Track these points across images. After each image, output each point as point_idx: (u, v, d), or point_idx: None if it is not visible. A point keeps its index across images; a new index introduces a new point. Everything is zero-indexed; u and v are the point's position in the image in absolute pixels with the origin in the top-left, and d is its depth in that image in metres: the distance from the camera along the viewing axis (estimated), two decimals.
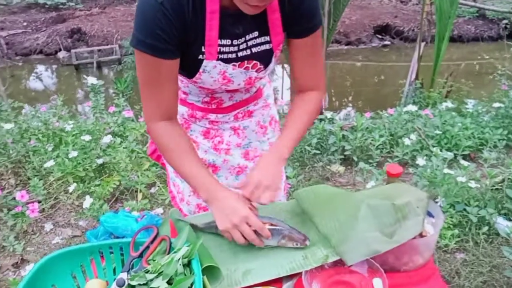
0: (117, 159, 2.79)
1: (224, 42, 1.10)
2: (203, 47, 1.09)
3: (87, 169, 2.79)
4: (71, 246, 1.07)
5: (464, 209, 2.31)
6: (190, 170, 1.13)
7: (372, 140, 3.02)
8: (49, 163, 2.72)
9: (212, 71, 1.14)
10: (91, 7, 9.62)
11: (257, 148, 1.46)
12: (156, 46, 1.02)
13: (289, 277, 1.03)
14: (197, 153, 1.19)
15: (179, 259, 0.96)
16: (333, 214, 1.12)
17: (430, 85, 4.15)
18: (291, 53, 1.20)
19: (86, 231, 1.26)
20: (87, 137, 2.85)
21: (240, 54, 1.14)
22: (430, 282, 1.05)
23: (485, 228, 2.25)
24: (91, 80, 3.33)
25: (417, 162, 2.59)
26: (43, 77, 7.58)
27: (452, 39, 6.47)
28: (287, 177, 2.54)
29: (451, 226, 2.26)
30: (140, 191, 2.72)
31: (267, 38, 1.14)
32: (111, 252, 1.07)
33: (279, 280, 1.02)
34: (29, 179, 2.80)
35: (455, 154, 2.85)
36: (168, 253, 1.01)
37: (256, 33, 1.13)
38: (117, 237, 1.21)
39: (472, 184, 2.32)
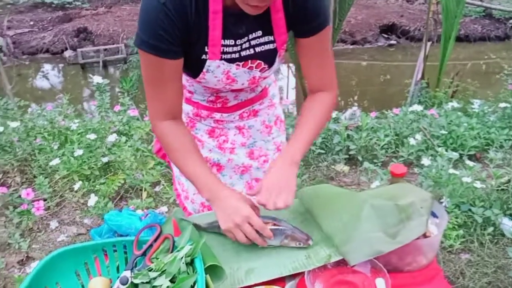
0: (122, 158, 2.80)
1: (227, 42, 1.10)
2: (206, 47, 1.09)
3: (92, 167, 2.80)
4: (75, 244, 1.08)
5: (469, 210, 2.30)
6: (193, 170, 1.13)
7: (377, 140, 3.01)
8: (55, 162, 2.74)
9: (215, 70, 1.14)
10: (97, 6, 9.66)
11: (262, 147, 1.46)
12: (159, 47, 1.03)
13: (292, 276, 1.03)
14: (200, 153, 1.19)
15: (182, 258, 0.96)
16: (336, 214, 1.11)
17: (436, 84, 4.12)
18: (299, 53, 1.19)
19: (91, 229, 1.27)
20: (93, 136, 2.87)
21: (243, 53, 1.14)
22: (434, 282, 1.05)
23: (490, 229, 2.24)
24: (97, 79, 3.35)
25: (422, 162, 2.58)
26: (49, 76, 7.62)
27: (459, 39, 6.43)
28: None
29: (456, 227, 2.24)
30: (145, 189, 2.73)
31: (271, 38, 1.14)
32: (115, 250, 1.08)
33: (282, 280, 1.02)
34: (34, 177, 2.82)
35: (460, 154, 2.83)
36: (171, 252, 1.01)
37: (259, 33, 1.12)
38: (121, 235, 1.22)
39: (478, 184, 2.31)
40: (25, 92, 6.58)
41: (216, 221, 1.09)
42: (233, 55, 1.13)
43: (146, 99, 1.14)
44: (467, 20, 8.30)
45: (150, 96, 1.13)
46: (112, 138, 2.91)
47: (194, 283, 0.91)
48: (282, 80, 6.39)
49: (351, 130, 3.12)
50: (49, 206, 2.68)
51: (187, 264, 0.96)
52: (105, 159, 2.83)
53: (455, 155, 2.60)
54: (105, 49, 7.70)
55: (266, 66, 1.19)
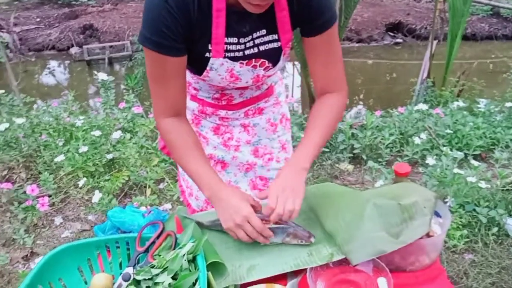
0: (127, 155, 2.81)
1: (230, 40, 1.10)
2: (209, 45, 1.09)
3: (97, 164, 2.81)
4: (78, 240, 1.09)
5: (474, 210, 2.29)
6: (195, 168, 1.13)
7: (382, 139, 3.00)
8: (60, 158, 2.75)
9: (219, 68, 1.14)
10: (103, 3, 9.67)
11: (266, 145, 1.46)
12: (162, 44, 1.03)
13: (294, 274, 1.03)
14: (203, 151, 1.19)
15: (184, 255, 0.96)
16: (339, 213, 1.11)
17: (442, 83, 4.10)
18: (306, 53, 1.18)
19: (95, 226, 1.28)
20: (97, 133, 2.88)
21: (247, 52, 1.14)
22: (436, 282, 1.05)
23: (495, 229, 2.23)
24: (102, 76, 3.36)
25: (427, 162, 2.57)
26: (55, 72, 7.65)
27: (465, 37, 6.38)
28: None
29: (460, 227, 2.23)
30: (149, 186, 2.74)
31: (275, 36, 1.13)
32: (118, 247, 1.08)
33: (284, 278, 1.02)
34: (39, 173, 2.83)
35: (465, 153, 2.82)
36: (174, 249, 1.01)
37: (263, 31, 1.12)
38: (124, 232, 1.23)
39: (483, 184, 2.30)
40: (31, 89, 6.61)
41: (218, 219, 1.09)
42: (237, 54, 1.13)
43: (151, 96, 1.15)
44: (474, 18, 8.24)
45: (154, 93, 1.14)
46: (117, 135, 2.92)
47: (196, 280, 0.91)
48: (287, 78, 6.38)
49: (355, 128, 3.11)
50: (53, 202, 2.69)
51: (189, 261, 0.96)
52: (109, 156, 2.84)
53: (460, 154, 2.59)
54: (111, 46, 7.72)
55: (270, 64, 1.19)
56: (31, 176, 2.94)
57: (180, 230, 1.13)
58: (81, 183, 2.68)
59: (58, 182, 2.81)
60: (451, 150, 2.69)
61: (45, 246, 2.41)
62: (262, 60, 1.16)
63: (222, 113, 1.37)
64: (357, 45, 8.18)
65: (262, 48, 1.14)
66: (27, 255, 2.35)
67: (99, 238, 1.11)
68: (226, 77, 1.17)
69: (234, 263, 1.04)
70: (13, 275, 2.20)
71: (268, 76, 1.25)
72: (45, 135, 3.03)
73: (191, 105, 1.39)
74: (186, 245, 0.99)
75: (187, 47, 1.08)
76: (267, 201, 1.07)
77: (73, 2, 9.56)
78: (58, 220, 2.57)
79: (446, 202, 2.30)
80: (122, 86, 5.28)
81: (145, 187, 2.78)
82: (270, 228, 1.05)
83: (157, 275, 0.95)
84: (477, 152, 2.93)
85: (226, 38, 1.09)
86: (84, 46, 7.71)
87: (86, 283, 1.05)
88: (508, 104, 3.29)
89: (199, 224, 1.14)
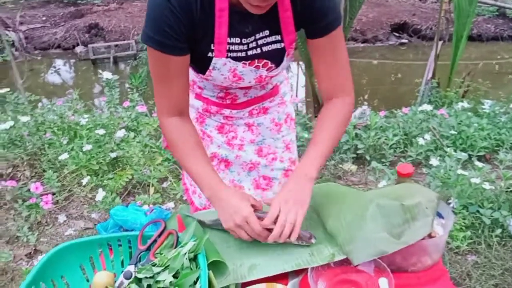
0: (130, 153, 2.82)
1: (233, 40, 1.10)
2: (212, 45, 1.09)
3: (101, 162, 2.82)
4: (80, 238, 1.09)
5: (477, 211, 2.28)
6: (196, 168, 1.13)
7: (385, 139, 2.99)
8: (64, 156, 2.76)
9: (222, 68, 1.14)
10: (108, 2, 9.71)
11: (270, 145, 1.46)
12: (164, 43, 1.03)
13: (295, 274, 1.03)
14: (204, 151, 1.19)
15: (185, 253, 0.97)
16: (340, 213, 1.11)
17: (447, 84, 4.08)
18: (311, 56, 1.17)
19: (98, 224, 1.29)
20: (101, 131, 2.89)
21: (250, 52, 1.13)
22: (438, 283, 1.04)
23: (498, 231, 2.22)
24: (106, 75, 3.37)
25: (430, 162, 2.56)
26: (60, 71, 7.68)
27: (471, 38, 6.34)
28: None
29: (464, 228, 2.22)
30: (152, 185, 2.75)
31: (278, 37, 1.13)
32: (120, 245, 1.09)
33: (285, 277, 1.02)
34: (44, 171, 2.84)
35: (470, 155, 2.81)
36: (175, 247, 1.02)
37: (266, 32, 1.12)
38: (126, 230, 1.23)
39: (487, 185, 2.28)
40: (36, 87, 6.64)
41: (219, 218, 1.09)
42: (239, 54, 1.13)
43: (154, 95, 1.15)
44: (480, 19, 8.20)
45: (157, 92, 1.14)
46: (121, 133, 2.93)
47: (197, 279, 0.92)
48: (291, 78, 6.37)
49: (359, 129, 3.11)
50: (57, 200, 2.70)
51: (190, 259, 0.96)
52: (113, 155, 2.85)
53: (464, 155, 2.57)
54: (116, 45, 7.75)
55: (273, 65, 1.19)
56: (35, 174, 2.96)
57: (182, 228, 1.13)
58: (84, 181, 2.69)
59: (62, 180, 2.82)
60: (455, 151, 2.68)
61: (49, 243, 2.42)
62: (265, 60, 1.16)
63: (227, 112, 1.37)
64: (362, 45, 8.16)
65: (265, 49, 1.14)
66: (30, 252, 2.36)
67: (101, 236, 1.12)
68: (229, 76, 1.17)
69: (235, 262, 1.04)
70: (16, 272, 2.21)
71: (271, 77, 1.25)
72: (50, 133, 3.04)
73: (196, 103, 1.39)
74: (188, 244, 0.99)
75: (190, 46, 1.08)
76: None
77: (79, 1, 9.61)
78: (61, 218, 2.58)
79: (449, 203, 2.29)
80: (127, 85, 5.29)
81: (148, 185, 2.78)
82: (271, 229, 1.04)
83: (158, 273, 0.95)
84: (481, 153, 2.92)
85: (228, 38, 1.09)
86: (90, 45, 7.74)
87: (88, 280, 1.05)
88: None
89: (201, 223, 1.14)
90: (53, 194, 2.68)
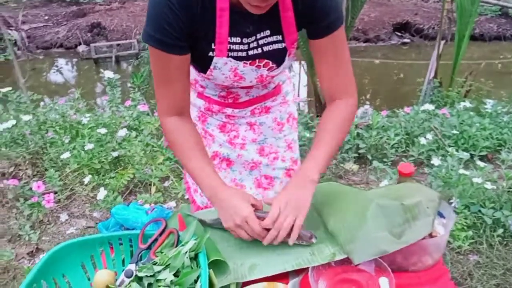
0: (132, 153, 2.82)
1: (234, 39, 1.10)
2: (213, 44, 1.09)
3: (103, 161, 2.83)
4: (81, 237, 1.09)
5: (479, 211, 2.28)
6: (196, 168, 1.13)
7: (387, 139, 2.99)
8: (66, 155, 2.77)
9: (223, 68, 1.14)
10: (111, 1, 9.72)
11: (272, 144, 1.46)
12: (165, 41, 1.03)
13: (296, 273, 1.03)
14: (205, 151, 1.19)
15: (186, 252, 0.97)
16: (341, 212, 1.11)
17: (449, 84, 4.08)
18: (314, 57, 1.17)
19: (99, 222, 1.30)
20: (103, 130, 2.89)
21: (250, 52, 1.13)
22: (439, 283, 1.04)
23: (500, 231, 2.21)
24: (108, 74, 3.37)
25: (432, 162, 2.56)
26: (63, 70, 7.70)
27: (473, 38, 6.34)
28: None
29: (465, 228, 2.22)
30: (154, 184, 2.75)
31: (279, 37, 1.13)
32: (121, 244, 1.09)
33: (285, 276, 1.02)
34: (45, 170, 2.85)
35: (472, 154, 2.80)
36: (176, 246, 1.02)
37: (267, 32, 1.12)
38: (128, 229, 1.23)
39: (488, 185, 2.28)
40: (38, 86, 6.65)
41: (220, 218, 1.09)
42: (240, 53, 1.13)
43: (155, 94, 1.15)
44: (482, 18, 8.18)
45: (158, 91, 1.14)
46: (122, 132, 2.93)
47: (198, 278, 0.92)
48: (293, 77, 6.36)
49: (361, 128, 3.10)
50: (59, 199, 2.71)
51: (191, 258, 0.96)
52: (115, 154, 2.85)
53: (465, 155, 2.57)
54: (118, 45, 7.76)
55: (274, 65, 1.18)
56: (37, 173, 2.97)
57: (183, 227, 1.13)
58: (86, 180, 2.69)
59: (64, 179, 2.83)
60: (457, 150, 2.68)
61: (50, 242, 2.43)
62: (266, 60, 1.16)
63: (229, 111, 1.37)
64: (364, 44, 8.15)
65: (266, 48, 1.14)
66: (32, 251, 2.37)
67: (102, 234, 1.12)
68: (230, 76, 1.17)
69: (235, 261, 1.05)
70: (18, 271, 2.22)
71: (272, 76, 1.25)
72: (52, 132, 3.05)
73: (198, 102, 1.40)
74: (188, 243, 0.99)
75: (191, 45, 1.08)
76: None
77: (81, 1, 9.62)
78: (63, 216, 2.59)
79: (451, 203, 2.28)
80: (129, 84, 5.29)
81: (150, 184, 2.79)
82: (270, 229, 1.04)
83: (159, 272, 0.95)
84: (483, 153, 2.91)
85: (229, 38, 1.09)
86: (92, 44, 7.76)
87: (89, 279, 1.05)
88: None
89: (202, 222, 1.14)
90: (55, 193, 2.69)
